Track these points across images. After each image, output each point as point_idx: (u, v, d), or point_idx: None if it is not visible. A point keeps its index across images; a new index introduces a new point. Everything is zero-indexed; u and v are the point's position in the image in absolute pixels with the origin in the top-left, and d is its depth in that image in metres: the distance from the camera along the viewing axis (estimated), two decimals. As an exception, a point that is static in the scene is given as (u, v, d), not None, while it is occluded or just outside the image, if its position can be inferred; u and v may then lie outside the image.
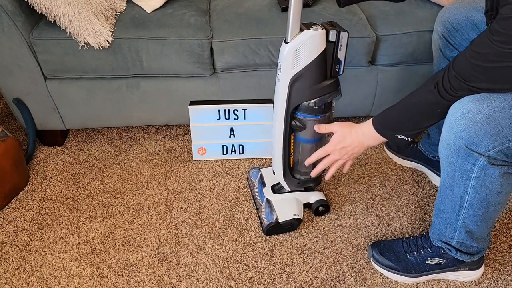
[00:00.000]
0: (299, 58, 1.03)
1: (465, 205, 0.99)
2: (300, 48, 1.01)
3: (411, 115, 0.96)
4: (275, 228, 1.25)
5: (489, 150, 0.86)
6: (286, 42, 1.03)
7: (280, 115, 1.13)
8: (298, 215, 1.25)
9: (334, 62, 1.06)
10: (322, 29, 1.02)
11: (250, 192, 1.40)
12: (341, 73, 1.09)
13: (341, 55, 1.06)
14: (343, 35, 1.03)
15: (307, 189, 1.31)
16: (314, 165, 1.18)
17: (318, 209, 1.30)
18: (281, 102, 1.10)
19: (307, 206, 1.32)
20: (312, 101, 1.09)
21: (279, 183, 1.31)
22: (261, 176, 1.36)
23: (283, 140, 1.17)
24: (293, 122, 1.14)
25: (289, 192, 1.30)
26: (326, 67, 1.07)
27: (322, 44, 1.03)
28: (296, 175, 1.27)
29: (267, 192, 1.31)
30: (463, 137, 0.88)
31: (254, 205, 1.35)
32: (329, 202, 1.34)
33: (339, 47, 1.04)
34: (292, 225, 1.26)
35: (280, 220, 1.24)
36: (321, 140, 1.20)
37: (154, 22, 1.36)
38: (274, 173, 1.28)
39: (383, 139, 1.02)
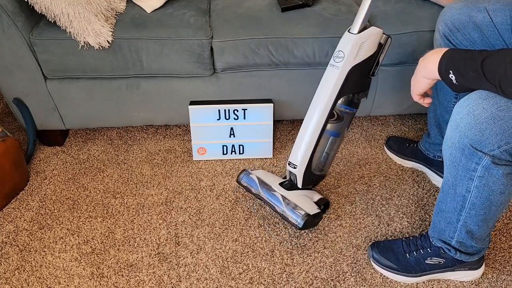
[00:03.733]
0: (362, 50, 1.10)
1: (467, 205, 0.99)
2: (366, 41, 1.09)
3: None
4: (309, 222, 1.22)
5: (494, 149, 0.86)
6: (352, 33, 1.09)
7: (327, 102, 1.15)
8: (319, 209, 1.25)
9: (376, 63, 1.15)
10: (381, 31, 1.11)
11: (248, 191, 1.36)
12: (375, 74, 1.17)
13: (381, 57, 1.15)
14: (389, 41, 1.14)
15: (307, 188, 1.31)
16: (321, 163, 1.25)
17: (321, 207, 1.29)
18: (333, 89, 1.13)
19: None
20: (357, 94, 1.17)
21: (285, 181, 1.31)
22: (258, 178, 1.33)
23: (321, 130, 1.18)
24: (333, 112, 1.18)
25: (299, 189, 1.29)
26: (371, 65, 1.15)
27: (377, 42, 1.13)
28: (313, 170, 1.27)
29: (281, 189, 1.28)
30: (468, 135, 0.87)
31: (263, 204, 1.34)
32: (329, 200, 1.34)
33: (383, 50, 1.14)
34: (318, 219, 1.26)
35: (311, 213, 1.21)
36: (340, 135, 1.24)
37: (154, 22, 1.36)
38: (292, 166, 1.24)
39: (434, 68, 0.92)
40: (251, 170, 1.37)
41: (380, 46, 1.14)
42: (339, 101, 1.16)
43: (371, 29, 1.10)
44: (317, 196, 1.31)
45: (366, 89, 1.20)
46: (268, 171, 1.44)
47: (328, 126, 1.20)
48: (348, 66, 1.10)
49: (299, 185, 1.27)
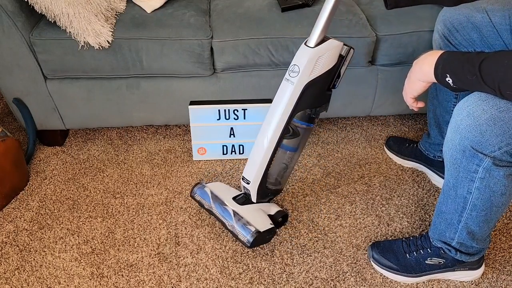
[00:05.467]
0: (318, 65, 1.03)
1: (468, 206, 0.99)
2: (323, 56, 1.02)
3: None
4: (259, 239, 1.18)
5: (495, 151, 0.86)
6: (309, 46, 1.02)
7: (281, 118, 1.09)
8: (272, 225, 1.21)
9: (337, 76, 1.08)
10: (341, 43, 1.03)
11: (200, 206, 1.30)
12: (336, 87, 1.10)
13: (343, 70, 1.08)
14: (351, 52, 1.06)
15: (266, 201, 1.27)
16: (278, 176, 1.22)
17: (278, 220, 1.26)
18: (287, 105, 1.07)
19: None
20: (315, 109, 1.10)
21: (240, 195, 1.26)
22: (211, 192, 1.28)
23: (275, 146, 1.13)
24: (288, 128, 1.12)
25: (253, 203, 1.24)
26: (331, 78, 1.08)
27: (337, 55, 1.05)
28: (268, 185, 1.21)
29: (233, 204, 1.23)
30: (469, 137, 0.87)
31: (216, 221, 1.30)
32: (288, 212, 1.30)
33: (344, 62, 1.07)
34: (271, 235, 1.22)
35: (261, 230, 1.17)
36: (297, 150, 1.19)
37: (154, 22, 1.36)
38: (245, 181, 1.19)
39: (430, 71, 0.91)
40: (206, 183, 1.32)
41: (342, 58, 1.06)
42: (296, 117, 1.10)
43: (330, 42, 1.02)
44: (274, 209, 1.27)
45: (326, 103, 1.13)
46: (225, 183, 1.40)
47: (285, 141, 1.15)
48: (303, 81, 1.04)
49: (254, 199, 1.22)
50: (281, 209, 1.28)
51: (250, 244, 1.15)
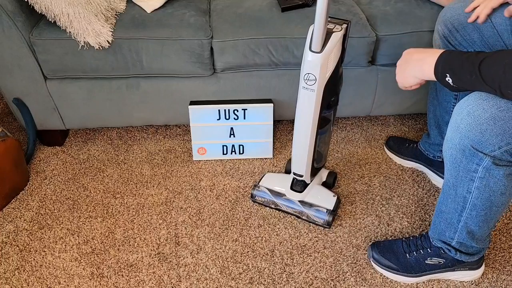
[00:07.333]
0: (330, 63, 1.04)
1: (468, 206, 0.99)
2: (332, 53, 1.03)
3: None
4: (334, 215, 1.29)
5: (495, 150, 0.86)
6: (315, 51, 1.01)
7: (313, 121, 1.13)
8: (335, 195, 1.32)
9: (342, 52, 1.09)
10: (340, 27, 1.03)
11: (266, 206, 1.37)
12: (344, 59, 1.12)
13: (346, 44, 1.09)
14: (349, 25, 1.07)
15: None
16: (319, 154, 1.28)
17: (332, 181, 1.40)
18: (315, 110, 1.11)
19: (323, 185, 1.40)
20: (336, 94, 1.15)
21: (294, 181, 1.33)
22: (269, 189, 1.35)
23: (314, 142, 1.20)
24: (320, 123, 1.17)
25: (308, 184, 1.33)
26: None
27: (341, 43, 1.06)
28: (315, 165, 1.30)
29: (295, 195, 1.32)
30: (469, 136, 0.87)
31: (287, 215, 1.34)
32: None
33: (347, 38, 1.08)
34: (338, 205, 1.33)
35: (332, 208, 1.28)
36: (329, 130, 1.26)
37: (154, 22, 1.36)
38: (298, 176, 1.29)
39: (430, 71, 0.91)
40: (258, 182, 1.38)
41: (344, 37, 1.06)
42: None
43: (334, 37, 1.01)
44: (324, 174, 1.40)
45: (340, 81, 1.15)
46: (270, 172, 1.45)
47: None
48: (322, 84, 1.06)
49: (308, 182, 1.32)
50: (328, 170, 1.42)
51: (330, 224, 1.27)
